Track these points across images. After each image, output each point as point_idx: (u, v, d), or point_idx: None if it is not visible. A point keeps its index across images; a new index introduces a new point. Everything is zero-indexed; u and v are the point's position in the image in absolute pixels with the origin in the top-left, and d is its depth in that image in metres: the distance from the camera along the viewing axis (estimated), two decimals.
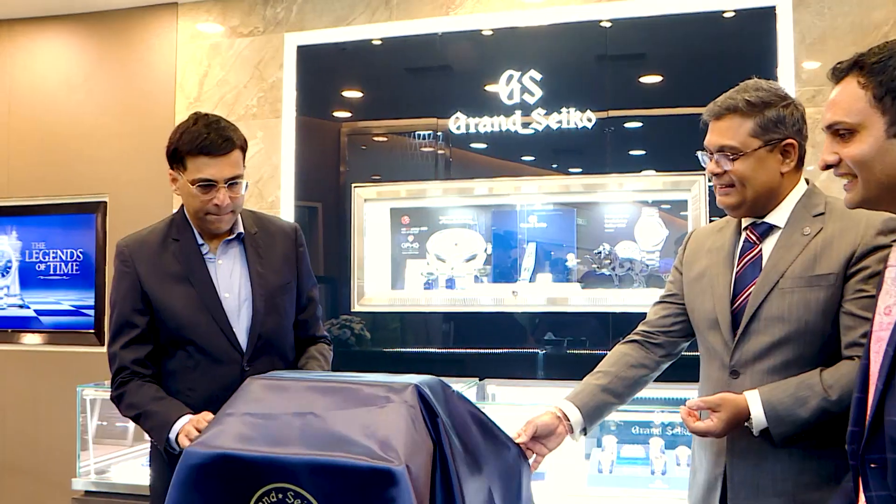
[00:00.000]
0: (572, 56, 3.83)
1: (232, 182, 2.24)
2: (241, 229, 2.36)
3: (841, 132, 1.48)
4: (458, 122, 3.93)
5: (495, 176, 3.90)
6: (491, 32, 3.94)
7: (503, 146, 3.88)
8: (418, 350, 3.96)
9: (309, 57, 4.20)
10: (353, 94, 4.16)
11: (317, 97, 4.21)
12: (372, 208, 4.07)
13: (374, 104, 4.13)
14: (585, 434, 2.14)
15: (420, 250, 4.04)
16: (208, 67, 4.45)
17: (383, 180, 4.08)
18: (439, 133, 3.96)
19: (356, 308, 4.02)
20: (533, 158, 3.88)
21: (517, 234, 3.91)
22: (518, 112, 3.85)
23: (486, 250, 3.96)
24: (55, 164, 4.71)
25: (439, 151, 3.98)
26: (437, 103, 3.95)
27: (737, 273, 1.97)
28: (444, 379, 2.60)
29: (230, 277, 2.33)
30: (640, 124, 3.75)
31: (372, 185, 4.06)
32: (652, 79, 3.73)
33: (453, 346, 3.91)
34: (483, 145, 3.94)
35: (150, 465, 2.42)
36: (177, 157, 2.25)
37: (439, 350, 3.91)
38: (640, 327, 2.22)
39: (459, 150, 3.96)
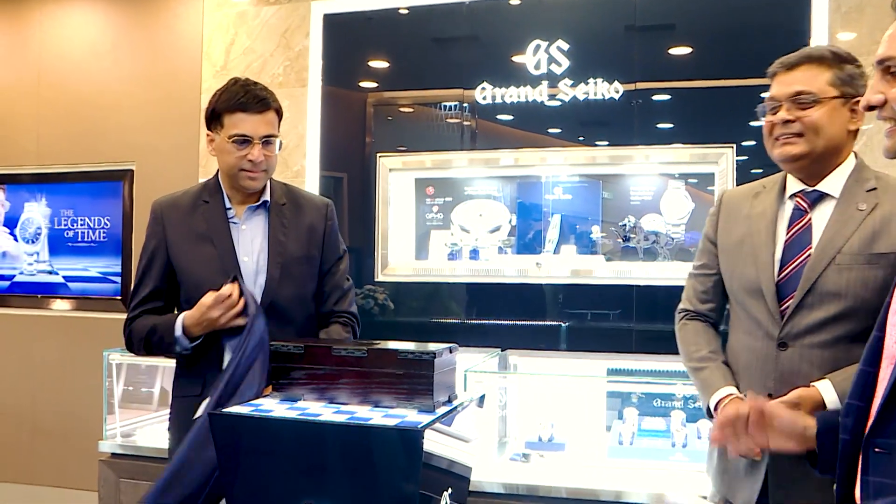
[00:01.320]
0: (600, 26, 3.78)
1: (266, 140, 2.31)
2: (267, 197, 2.41)
3: (893, 70, 1.35)
4: (485, 93, 3.90)
5: (521, 147, 3.87)
6: (518, 1, 3.91)
7: (529, 117, 3.85)
8: (441, 320, 3.96)
9: (335, 26, 4.18)
10: (379, 63, 4.14)
11: (343, 67, 4.19)
12: (397, 178, 4.06)
13: (401, 74, 4.10)
14: None
15: (444, 221, 4.05)
16: (235, 35, 4.45)
17: (409, 151, 4.06)
18: (465, 104, 3.94)
19: (380, 278, 4.02)
20: (560, 130, 3.84)
21: (542, 205, 3.90)
22: (545, 83, 3.82)
23: (510, 221, 3.95)
24: (83, 132, 4.76)
25: (465, 122, 3.95)
26: (464, 74, 3.93)
27: (786, 241, 1.95)
28: (467, 348, 2.66)
29: (251, 243, 2.38)
30: (668, 96, 3.70)
31: (397, 155, 4.05)
32: (681, 50, 3.67)
33: (476, 316, 3.89)
34: (509, 116, 3.91)
35: (169, 431, 2.46)
36: (214, 115, 2.33)
37: (462, 321, 3.91)
38: (688, 306, 2.16)
39: (485, 120, 3.93)
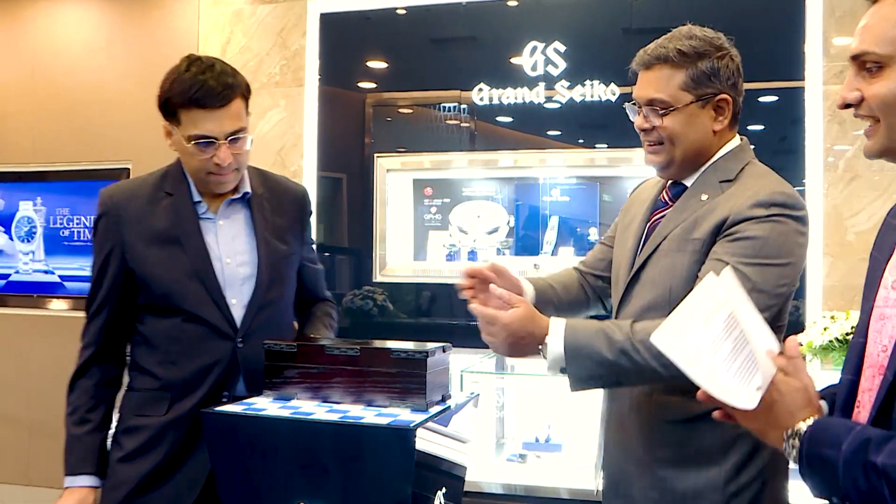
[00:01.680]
0: (597, 28, 3.79)
1: (234, 137, 1.96)
2: (247, 188, 2.10)
3: (868, 66, 1.23)
4: (482, 94, 3.90)
5: (519, 148, 3.88)
6: (516, 3, 3.91)
7: (527, 119, 3.85)
8: (440, 321, 3.96)
9: (332, 25, 4.17)
10: (377, 64, 4.14)
11: (340, 67, 4.19)
12: (395, 179, 4.07)
13: (399, 75, 4.10)
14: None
15: (443, 222, 4.05)
16: (230, 34, 4.45)
17: (407, 151, 4.07)
18: (463, 105, 3.94)
19: (378, 279, 4.03)
20: (558, 133, 3.85)
21: (540, 207, 3.89)
22: (542, 84, 3.81)
23: (508, 223, 3.95)
24: (80, 130, 4.73)
25: (464, 123, 3.96)
26: (461, 75, 3.93)
27: (644, 233, 1.89)
28: (465, 349, 2.65)
29: (233, 241, 2.08)
30: None
31: (395, 156, 4.06)
32: None
33: (475, 317, 3.86)
34: (508, 118, 3.92)
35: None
36: (169, 108, 1.96)
37: (461, 322, 3.90)
38: (579, 265, 2.17)
39: (484, 122, 3.94)
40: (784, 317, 1.78)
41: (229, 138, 1.94)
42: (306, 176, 4.18)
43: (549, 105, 3.81)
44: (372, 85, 4.16)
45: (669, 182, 1.90)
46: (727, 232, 1.69)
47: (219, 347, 2.02)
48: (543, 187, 3.90)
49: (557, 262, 3.80)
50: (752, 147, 1.91)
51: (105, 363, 2.10)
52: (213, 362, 2.01)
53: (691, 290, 1.38)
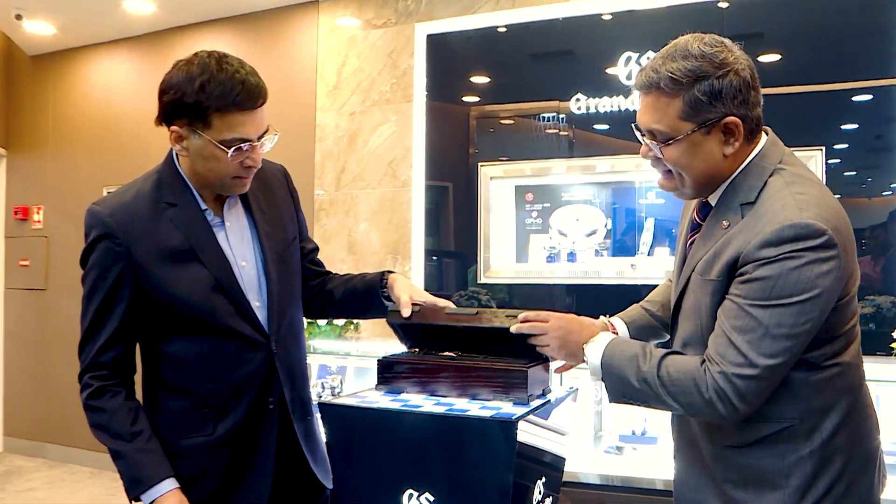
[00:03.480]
0: None
1: (262, 137, 1.82)
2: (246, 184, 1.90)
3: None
4: (579, 104, 4.02)
5: (616, 154, 3.97)
6: (610, 16, 4.02)
7: (623, 125, 3.87)
8: None
9: (438, 45, 4.39)
10: (480, 79, 4.32)
11: (446, 83, 4.39)
12: (498, 186, 4.21)
13: (500, 88, 4.25)
14: None
15: (543, 225, 4.13)
16: (346, 57, 4.76)
17: (509, 160, 4.19)
18: (562, 115, 4.07)
19: (483, 280, 4.17)
20: None
21: (636, 210, 3.96)
22: (636, 92, 3.85)
23: (606, 225, 4.02)
24: None
25: (562, 132, 4.08)
26: (559, 86, 4.05)
27: (684, 257, 1.75)
28: None
29: (241, 242, 1.90)
30: None
31: (498, 164, 4.19)
32: (770, 57, 3.70)
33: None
34: (604, 126, 4.02)
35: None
36: (195, 112, 1.73)
37: None
38: (667, 281, 2.05)
39: (581, 130, 4.05)
40: (840, 327, 1.62)
41: (261, 138, 1.80)
42: (415, 185, 4.39)
43: None
44: (475, 99, 4.33)
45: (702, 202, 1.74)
46: (739, 272, 1.55)
47: (255, 357, 1.87)
48: (639, 190, 3.96)
49: (653, 263, 3.89)
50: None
51: (121, 387, 1.85)
52: (252, 372, 1.86)
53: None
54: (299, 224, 2.08)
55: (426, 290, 2.07)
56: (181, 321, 1.81)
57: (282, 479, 1.94)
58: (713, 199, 1.67)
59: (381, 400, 1.77)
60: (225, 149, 1.74)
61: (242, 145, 1.75)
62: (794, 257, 1.49)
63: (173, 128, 1.78)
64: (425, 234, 4.39)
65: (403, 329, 1.95)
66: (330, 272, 2.18)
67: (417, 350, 1.95)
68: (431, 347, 1.92)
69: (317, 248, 2.18)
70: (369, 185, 4.59)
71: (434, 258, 4.34)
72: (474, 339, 1.85)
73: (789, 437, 1.60)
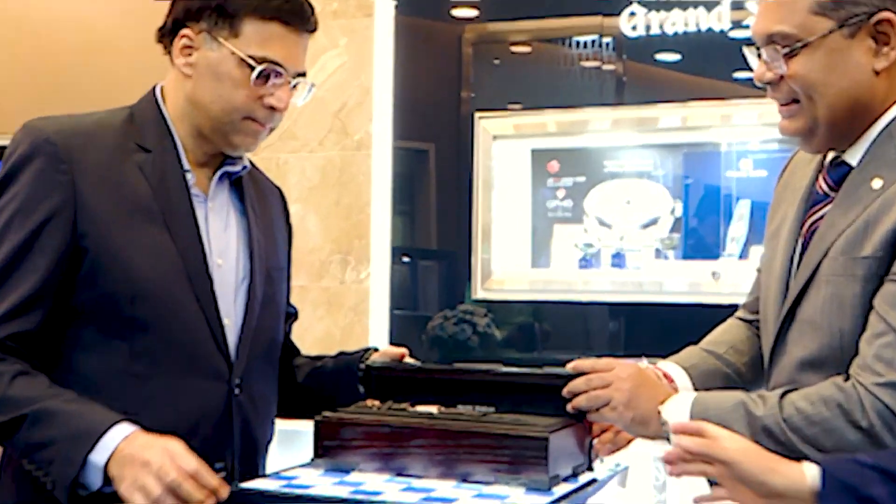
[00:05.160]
0: None
1: (297, 80, 1.69)
2: (247, 162, 1.78)
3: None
4: (635, 21, 3.24)
5: (691, 101, 3.25)
6: None
7: (704, 56, 3.22)
8: (570, 356, 3.25)
9: None
10: None
11: None
12: (505, 149, 3.50)
13: None
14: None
15: (574, 211, 3.44)
16: None
17: (523, 109, 3.53)
18: (606, 38, 3.33)
19: (479, 294, 3.49)
20: (751, 76, 3.08)
21: (722, 187, 3.29)
22: (726, 3, 3.09)
23: (672, 211, 3.33)
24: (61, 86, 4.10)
25: (606, 65, 3.36)
26: None
27: (798, 245, 1.57)
28: None
29: (224, 232, 1.73)
30: None
31: (506, 116, 3.50)
32: None
33: (625, 351, 3.32)
34: (674, 56, 3.31)
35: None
36: (226, 10, 1.61)
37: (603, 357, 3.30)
38: (740, 311, 1.93)
39: (637, 63, 3.34)
40: None
41: (296, 77, 1.70)
42: (377, 147, 3.62)
43: (736, 33, 3.11)
44: (472, 13, 3.63)
45: (828, 160, 1.57)
46: None
47: (210, 391, 1.62)
48: (727, 157, 3.26)
49: (748, 268, 3.19)
50: None
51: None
52: (201, 409, 1.60)
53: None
54: (289, 270, 1.93)
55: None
56: (112, 306, 1.54)
57: None
58: (853, 156, 1.48)
59: (320, 483, 1.48)
60: (253, 65, 1.61)
61: (274, 70, 1.62)
62: None
63: (184, 32, 1.62)
64: (392, 224, 3.72)
65: (379, 378, 1.71)
66: (298, 348, 2.01)
67: (379, 403, 1.65)
68: (402, 398, 1.66)
69: (296, 316, 2.02)
70: (305, 145, 3.82)
71: (405, 260, 3.72)
72: (466, 384, 1.67)
73: None
